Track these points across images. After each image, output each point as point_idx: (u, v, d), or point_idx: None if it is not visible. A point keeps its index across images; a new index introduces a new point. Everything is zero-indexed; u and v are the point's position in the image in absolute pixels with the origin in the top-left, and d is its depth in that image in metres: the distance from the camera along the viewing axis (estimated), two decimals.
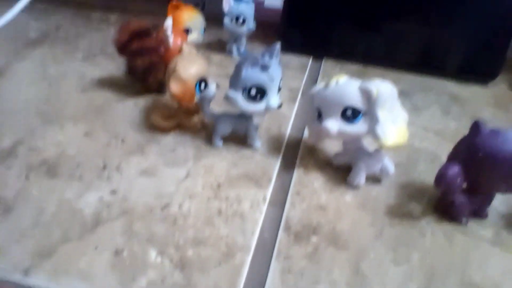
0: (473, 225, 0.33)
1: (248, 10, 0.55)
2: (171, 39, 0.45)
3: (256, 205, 0.33)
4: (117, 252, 0.28)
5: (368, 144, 0.36)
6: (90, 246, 0.28)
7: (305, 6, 0.59)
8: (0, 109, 0.42)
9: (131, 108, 0.44)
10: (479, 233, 0.32)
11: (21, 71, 0.50)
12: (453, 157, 0.33)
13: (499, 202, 0.35)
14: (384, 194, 0.36)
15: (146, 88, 0.46)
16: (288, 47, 0.60)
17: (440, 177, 0.31)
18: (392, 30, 0.58)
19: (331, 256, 0.30)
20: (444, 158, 0.40)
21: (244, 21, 0.55)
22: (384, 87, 0.33)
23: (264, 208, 0.33)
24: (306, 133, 0.42)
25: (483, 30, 0.55)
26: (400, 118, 0.35)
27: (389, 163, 0.36)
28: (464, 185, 0.32)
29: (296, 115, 0.46)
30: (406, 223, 0.33)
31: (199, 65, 0.39)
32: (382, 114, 0.33)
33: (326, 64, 0.59)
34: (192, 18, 0.56)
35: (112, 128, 0.41)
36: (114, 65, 0.53)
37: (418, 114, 0.48)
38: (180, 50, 0.41)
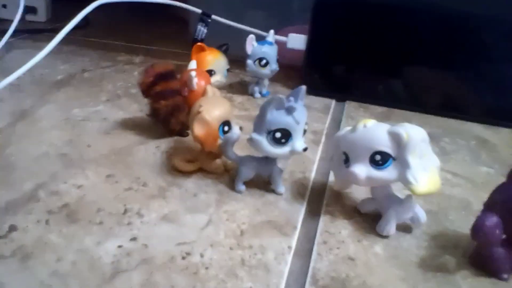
0: None
1: (271, 52, 0.55)
2: (195, 81, 0.45)
3: (281, 255, 0.31)
4: None
5: (398, 191, 0.35)
6: None
7: (328, 48, 0.60)
8: (23, 152, 0.42)
9: (153, 150, 0.44)
10: None
11: (46, 113, 0.50)
12: (490, 206, 0.31)
13: None
14: (415, 244, 0.34)
15: (169, 130, 0.46)
16: (311, 89, 0.60)
17: (477, 229, 0.29)
18: (416, 72, 0.58)
19: None
20: (476, 206, 0.38)
21: (267, 63, 0.55)
22: (415, 131, 0.32)
23: (290, 258, 0.31)
24: (331, 177, 0.41)
25: (509, 73, 0.54)
26: (431, 164, 0.33)
27: (420, 211, 0.34)
28: (503, 237, 0.30)
29: (320, 158, 0.45)
30: (441, 278, 0.31)
31: (223, 107, 0.39)
32: (413, 159, 0.31)
33: (350, 106, 0.58)
34: (216, 60, 0.57)
35: (134, 171, 0.40)
36: (137, 107, 0.53)
37: (446, 159, 0.46)
38: (204, 92, 0.41)
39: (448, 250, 0.33)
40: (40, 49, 0.46)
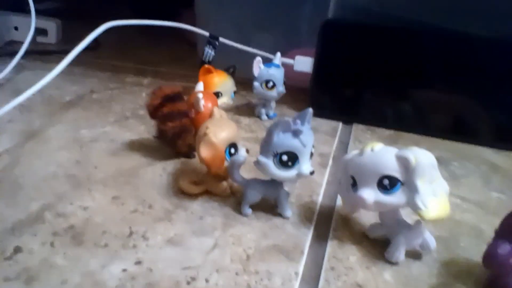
0: None
1: (278, 74, 0.55)
2: (202, 103, 0.45)
3: (288, 281, 0.31)
4: None
5: (407, 216, 0.34)
6: None
7: (335, 71, 0.60)
8: (31, 172, 0.42)
9: (159, 172, 0.44)
10: None
11: (54, 134, 0.50)
12: (502, 233, 0.30)
13: None
14: (426, 272, 0.33)
15: (176, 152, 0.46)
16: (317, 112, 0.60)
17: (490, 257, 0.28)
18: (424, 95, 0.57)
19: None
20: (488, 232, 0.37)
21: (273, 85, 0.55)
22: (423, 156, 0.31)
23: (297, 284, 0.31)
24: (339, 201, 0.40)
25: None
26: (440, 189, 0.33)
27: (430, 238, 0.34)
28: None
29: (327, 181, 0.45)
30: None
31: (229, 129, 0.39)
32: (421, 184, 0.31)
33: (357, 129, 0.58)
34: (223, 82, 0.57)
35: (140, 193, 0.40)
36: (144, 128, 0.53)
37: (456, 183, 0.46)
38: (210, 114, 0.41)
39: (460, 278, 0.33)
40: (50, 70, 0.47)
